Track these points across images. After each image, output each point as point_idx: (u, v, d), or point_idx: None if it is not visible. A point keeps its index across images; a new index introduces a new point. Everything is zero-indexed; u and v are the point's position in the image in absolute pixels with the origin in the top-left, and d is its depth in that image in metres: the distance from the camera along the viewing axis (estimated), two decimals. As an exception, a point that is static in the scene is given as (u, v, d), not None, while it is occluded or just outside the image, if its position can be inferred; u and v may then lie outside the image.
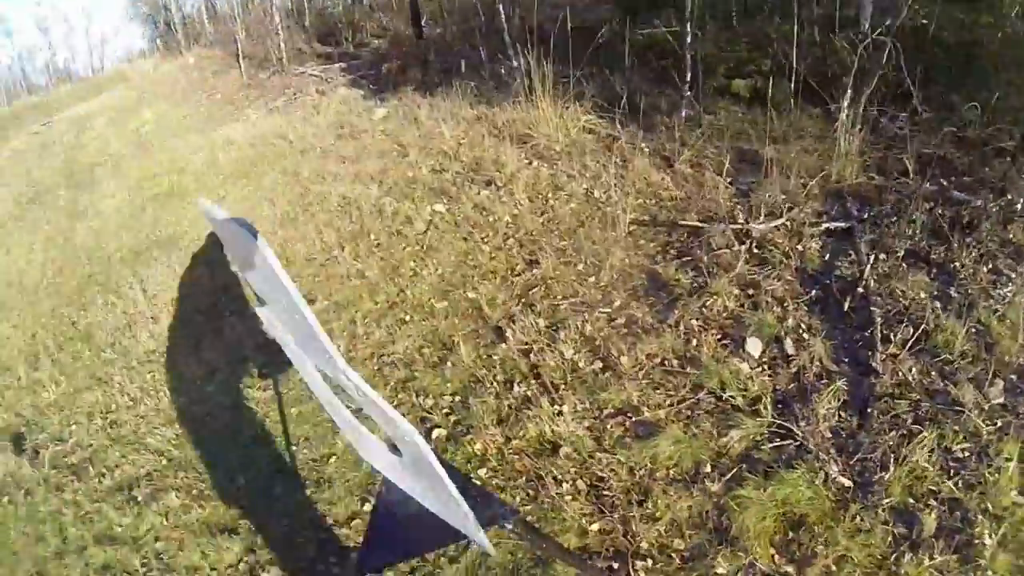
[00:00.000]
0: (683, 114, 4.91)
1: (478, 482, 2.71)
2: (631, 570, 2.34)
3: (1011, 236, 3.34)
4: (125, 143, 9.91)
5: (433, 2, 9.40)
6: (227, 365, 4.08)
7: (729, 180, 4.15)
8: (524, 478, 2.75)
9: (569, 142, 4.89)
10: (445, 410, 3.23)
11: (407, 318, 3.85)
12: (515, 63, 5.70)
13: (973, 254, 3.29)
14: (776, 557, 2.36)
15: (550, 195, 4.45)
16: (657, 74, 5.50)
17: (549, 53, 5.16)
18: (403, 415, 3.15)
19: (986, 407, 2.67)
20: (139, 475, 3.52)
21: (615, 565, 2.37)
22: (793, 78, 4.64)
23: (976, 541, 2.31)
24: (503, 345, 3.43)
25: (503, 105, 5.58)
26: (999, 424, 2.61)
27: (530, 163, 4.80)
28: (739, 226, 3.79)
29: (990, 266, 3.23)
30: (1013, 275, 3.15)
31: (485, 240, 4.21)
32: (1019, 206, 3.45)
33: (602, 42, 5.38)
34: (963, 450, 2.56)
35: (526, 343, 3.39)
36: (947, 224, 3.47)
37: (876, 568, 2.30)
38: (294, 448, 3.35)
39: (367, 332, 3.84)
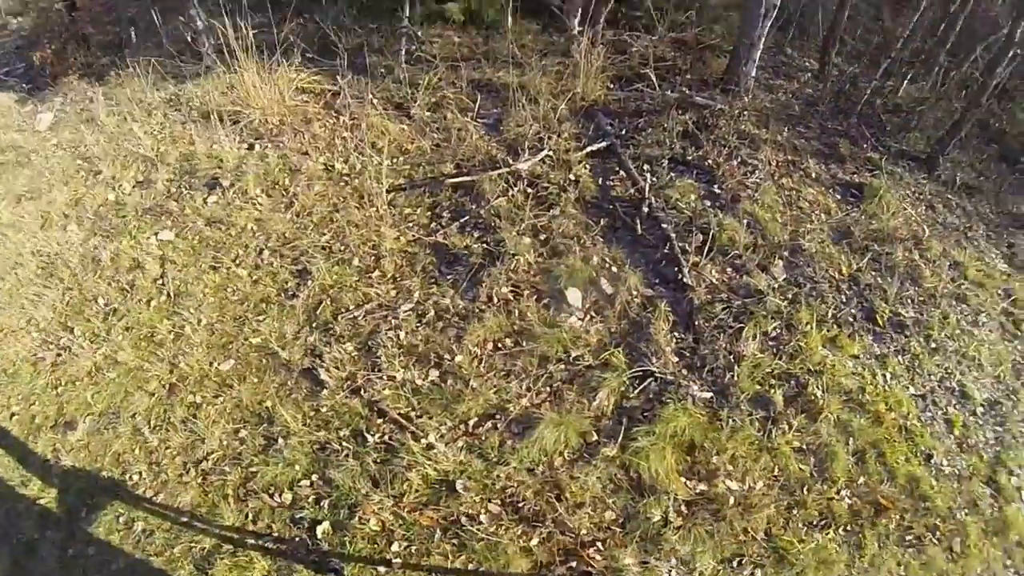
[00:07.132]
0: (403, 51, 4.36)
1: (397, 561, 2.39)
2: (588, 562, 2.44)
3: (743, 128, 3.92)
4: None
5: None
6: None
7: (473, 116, 3.84)
8: (439, 531, 2.48)
9: (287, 110, 3.94)
10: (311, 497, 2.58)
11: (197, 399, 2.90)
12: (199, 22, 4.52)
13: (723, 151, 3.79)
14: (687, 483, 2.67)
15: (287, 182, 3.55)
16: (373, 4, 4.79)
17: (241, 4, 4.11)
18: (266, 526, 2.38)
19: (776, 287, 3.24)
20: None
21: (573, 564, 2.43)
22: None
23: (812, 397, 2.90)
24: (324, 391, 2.82)
25: (197, 79, 4.44)
26: (790, 297, 3.22)
27: (251, 147, 3.79)
28: (505, 169, 3.50)
29: (738, 159, 3.78)
30: (756, 162, 3.74)
31: (238, 262, 3.30)
32: (747, 99, 4.03)
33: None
34: (774, 328, 3.11)
35: (347, 378, 2.84)
36: (693, 126, 3.91)
37: (757, 452, 2.75)
38: None
39: (162, 439, 2.80)
